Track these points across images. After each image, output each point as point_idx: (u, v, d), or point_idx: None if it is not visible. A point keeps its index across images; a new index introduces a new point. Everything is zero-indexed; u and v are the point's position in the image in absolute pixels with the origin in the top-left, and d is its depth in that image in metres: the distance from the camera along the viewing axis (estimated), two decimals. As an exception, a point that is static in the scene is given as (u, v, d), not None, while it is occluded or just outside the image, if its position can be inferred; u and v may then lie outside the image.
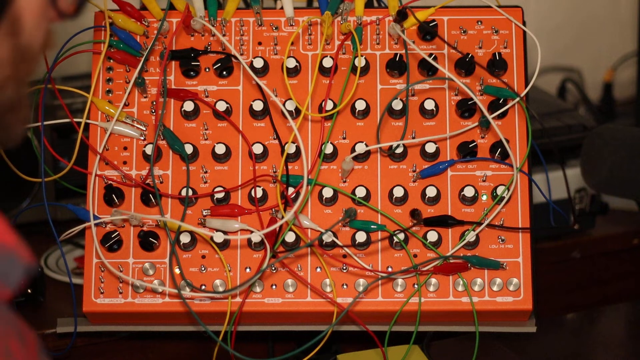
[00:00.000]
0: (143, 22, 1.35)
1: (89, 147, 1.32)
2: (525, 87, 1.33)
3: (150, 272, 1.30)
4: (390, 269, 1.29)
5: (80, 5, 0.92)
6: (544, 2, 2.35)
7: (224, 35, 1.35)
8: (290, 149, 1.30)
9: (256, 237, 1.28)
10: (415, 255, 1.29)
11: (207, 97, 1.34)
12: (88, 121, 1.33)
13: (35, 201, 1.66)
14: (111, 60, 1.35)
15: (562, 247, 1.74)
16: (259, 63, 1.33)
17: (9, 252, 0.79)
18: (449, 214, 1.31)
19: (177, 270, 1.29)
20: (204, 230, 1.28)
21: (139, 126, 1.33)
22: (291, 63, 1.33)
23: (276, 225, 1.25)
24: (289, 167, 1.30)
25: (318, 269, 1.30)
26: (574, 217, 1.45)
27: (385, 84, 1.34)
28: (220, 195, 1.31)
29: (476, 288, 1.29)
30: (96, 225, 1.30)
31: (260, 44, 1.35)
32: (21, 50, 0.84)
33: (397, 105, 1.32)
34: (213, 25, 1.35)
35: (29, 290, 1.47)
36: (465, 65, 1.33)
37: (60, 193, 1.69)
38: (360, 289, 1.29)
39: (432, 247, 1.29)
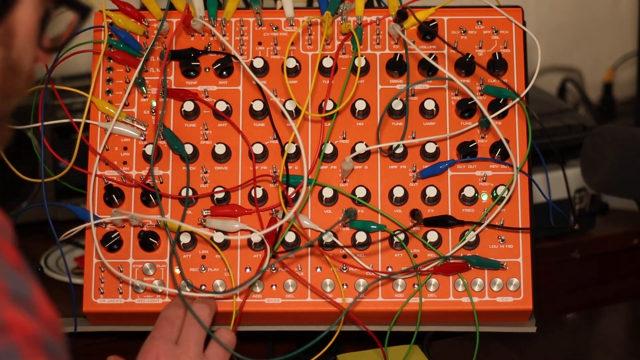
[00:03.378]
0: (143, 22, 1.34)
1: (89, 147, 1.32)
2: (525, 87, 1.33)
3: (150, 272, 1.30)
4: (390, 269, 1.29)
5: (62, 45, 0.96)
6: (544, 2, 2.35)
7: (224, 35, 1.35)
8: (290, 149, 1.30)
9: (256, 237, 1.28)
10: (415, 256, 1.29)
11: (207, 97, 1.34)
12: (88, 121, 1.33)
13: (35, 201, 1.66)
14: (111, 60, 1.35)
15: (562, 247, 1.74)
16: (259, 63, 1.33)
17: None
18: (449, 214, 1.30)
19: (177, 271, 1.29)
20: (204, 231, 1.28)
21: (139, 126, 1.33)
22: (291, 63, 1.33)
23: (276, 226, 1.25)
24: (289, 167, 1.30)
25: (318, 269, 1.29)
26: (574, 217, 1.45)
27: (385, 84, 1.34)
28: (220, 195, 1.31)
29: (476, 288, 1.29)
30: (96, 225, 1.30)
31: (260, 44, 1.35)
32: (11, 65, 0.86)
33: (397, 105, 1.32)
34: (213, 26, 1.35)
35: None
36: (465, 66, 1.33)
37: (60, 193, 1.69)
38: (361, 289, 1.29)
39: (432, 247, 1.29)
